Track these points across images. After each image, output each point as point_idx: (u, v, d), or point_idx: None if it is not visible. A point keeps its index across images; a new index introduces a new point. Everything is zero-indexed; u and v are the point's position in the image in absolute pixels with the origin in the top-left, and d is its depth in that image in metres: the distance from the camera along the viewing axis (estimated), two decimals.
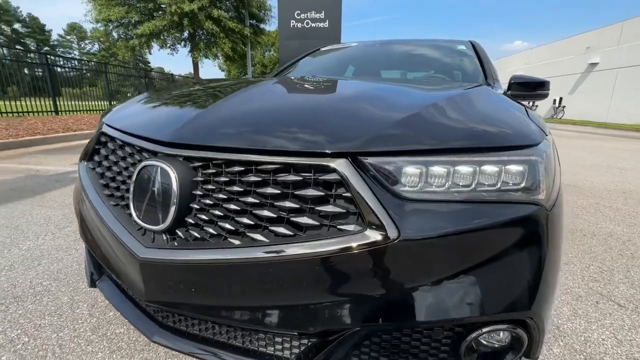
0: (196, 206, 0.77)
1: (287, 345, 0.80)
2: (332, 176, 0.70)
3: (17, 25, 53.28)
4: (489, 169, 0.72)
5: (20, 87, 8.70)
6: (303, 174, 0.72)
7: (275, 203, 0.72)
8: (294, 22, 9.71)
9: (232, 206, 0.75)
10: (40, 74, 9.34)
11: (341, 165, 0.69)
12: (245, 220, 0.73)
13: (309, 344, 0.78)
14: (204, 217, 0.77)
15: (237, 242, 0.73)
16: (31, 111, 8.53)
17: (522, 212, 0.71)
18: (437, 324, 0.70)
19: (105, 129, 1.07)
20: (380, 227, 0.66)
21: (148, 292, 0.81)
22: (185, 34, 16.65)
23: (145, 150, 0.87)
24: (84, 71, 11.27)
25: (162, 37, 16.19)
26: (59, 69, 10.07)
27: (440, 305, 0.67)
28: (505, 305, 0.68)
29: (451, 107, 0.88)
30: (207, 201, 0.77)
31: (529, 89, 1.79)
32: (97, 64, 12.65)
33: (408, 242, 0.66)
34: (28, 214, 2.41)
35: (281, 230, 0.71)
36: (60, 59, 11.32)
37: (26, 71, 9.51)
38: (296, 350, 0.79)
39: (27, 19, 54.86)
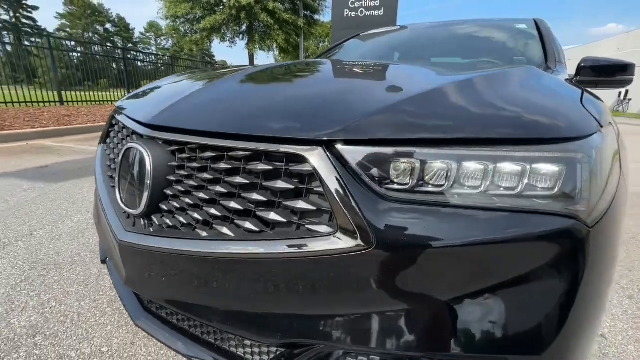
0: (170, 192, 0.74)
1: (256, 349, 0.73)
2: (304, 167, 0.60)
3: (108, 25, 60.74)
4: (508, 167, 0.56)
5: (109, 79, 9.96)
6: (275, 164, 0.63)
7: (243, 194, 0.65)
8: (348, 11, 9.43)
9: (202, 195, 0.69)
10: (123, 67, 10.56)
11: (314, 155, 0.59)
12: (213, 211, 0.67)
13: (278, 352, 0.70)
14: (176, 204, 0.73)
15: (204, 233, 0.68)
16: (110, 100, 9.68)
17: (548, 227, 0.54)
18: (415, 355, 0.57)
19: (116, 112, 1.10)
20: (352, 231, 0.55)
21: (127, 276, 0.81)
22: (244, 27, 17.43)
23: (135, 133, 0.86)
24: (159, 65, 12.45)
25: (221, 31, 17.19)
26: (138, 63, 11.27)
27: (419, 334, 0.54)
28: (505, 346, 0.52)
29: (466, 90, 0.71)
30: (180, 188, 0.72)
31: (603, 74, 1.45)
32: (167, 57, 13.86)
33: (385, 252, 0.54)
34: (86, 190, 2.69)
35: (247, 225, 0.63)
36: (140, 54, 12.62)
37: (114, 65, 10.83)
38: (265, 358, 0.72)
39: (116, 19, 62.18)
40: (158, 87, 1.10)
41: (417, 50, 2.25)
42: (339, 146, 0.59)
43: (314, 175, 0.59)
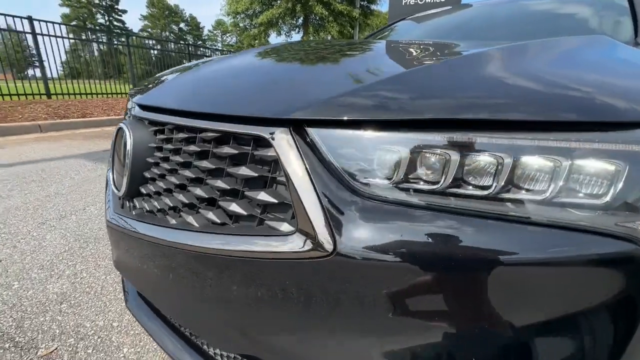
0: (148, 175, 0.70)
1: (224, 352, 0.66)
2: (269, 152, 0.51)
3: (182, 25, 66.47)
4: (533, 162, 0.41)
5: None
6: (243, 148, 0.55)
7: (210, 181, 0.58)
8: None
9: (174, 179, 0.64)
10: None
11: (278, 138, 0.49)
12: (182, 198, 0.62)
13: None
14: (152, 187, 0.69)
15: (173, 221, 0.63)
16: None
17: (588, 251, 0.37)
18: None
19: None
20: (311, 232, 0.44)
21: (115, 258, 0.80)
22: (300, 20, 17.67)
23: (132, 114, 0.84)
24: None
25: (278, 25, 17.64)
26: (205, 59, 12.15)
27: None
28: None
29: (483, 63, 0.54)
30: (156, 171, 0.68)
31: None
32: (230, 53, 14.73)
33: (348, 262, 0.42)
34: None
35: (210, 215, 0.56)
36: (207, 50, 13.56)
37: (184, 61, 11.82)
38: None
39: (189, 19, 67.70)
40: (169, 72, 1.09)
41: (478, 32, 1.94)
42: (309, 128, 0.48)
43: (278, 162, 0.49)
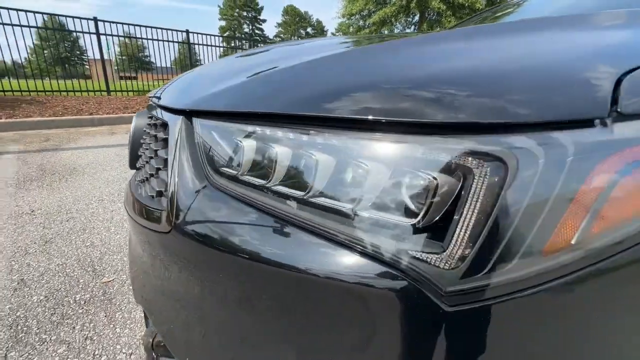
0: (140, 153, 0.87)
1: None
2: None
3: (309, 29, 72.69)
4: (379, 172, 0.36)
5: None
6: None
7: (151, 160, 0.69)
8: None
9: (145, 158, 0.78)
10: None
11: (173, 125, 0.56)
12: (147, 171, 0.75)
13: None
14: (140, 163, 0.85)
15: (139, 191, 0.77)
16: None
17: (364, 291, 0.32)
18: None
19: None
20: (165, 211, 0.50)
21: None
22: (416, 18, 16.82)
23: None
24: None
25: (390, 23, 17.21)
26: None
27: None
28: None
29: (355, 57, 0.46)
30: (141, 149, 0.84)
31: None
32: None
33: (182, 241, 0.46)
34: None
35: (147, 188, 0.68)
36: None
37: None
38: None
39: (315, 23, 73.42)
40: None
41: None
42: (193, 118, 0.54)
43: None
